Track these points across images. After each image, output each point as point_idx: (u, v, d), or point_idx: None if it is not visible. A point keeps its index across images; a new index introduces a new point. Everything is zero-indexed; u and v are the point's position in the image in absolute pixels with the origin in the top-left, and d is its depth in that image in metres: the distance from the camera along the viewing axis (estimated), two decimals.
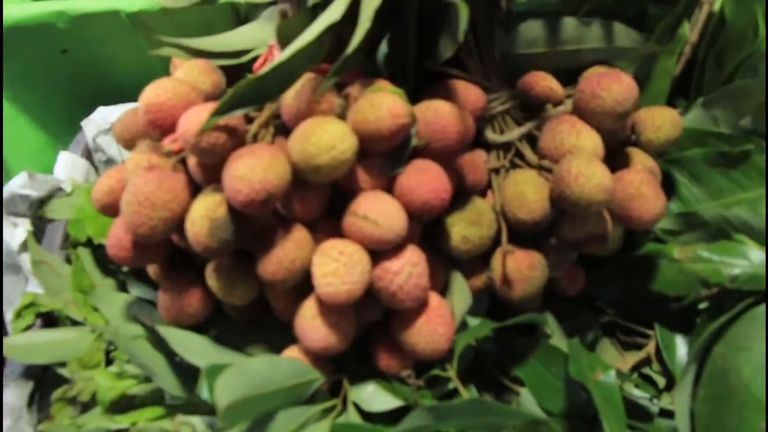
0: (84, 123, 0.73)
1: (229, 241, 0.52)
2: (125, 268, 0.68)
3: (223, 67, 0.62)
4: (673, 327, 0.65)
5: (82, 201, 0.68)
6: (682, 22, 0.65)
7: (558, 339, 0.64)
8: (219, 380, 0.44)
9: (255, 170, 0.48)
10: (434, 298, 0.56)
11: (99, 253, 0.67)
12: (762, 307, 0.57)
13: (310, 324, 0.54)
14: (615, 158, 0.63)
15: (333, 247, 0.52)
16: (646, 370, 0.67)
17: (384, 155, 0.55)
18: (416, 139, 0.54)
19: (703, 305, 0.65)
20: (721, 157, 0.64)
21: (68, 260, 0.68)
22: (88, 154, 0.74)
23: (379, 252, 0.53)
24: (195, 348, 0.57)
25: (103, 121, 0.72)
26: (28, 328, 0.62)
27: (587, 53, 0.65)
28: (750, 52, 0.62)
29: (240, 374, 0.47)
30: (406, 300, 0.53)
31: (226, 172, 0.50)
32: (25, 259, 0.66)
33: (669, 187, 0.68)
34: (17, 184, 0.66)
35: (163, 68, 0.64)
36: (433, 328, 0.54)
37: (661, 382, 0.65)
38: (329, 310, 0.53)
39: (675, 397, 0.59)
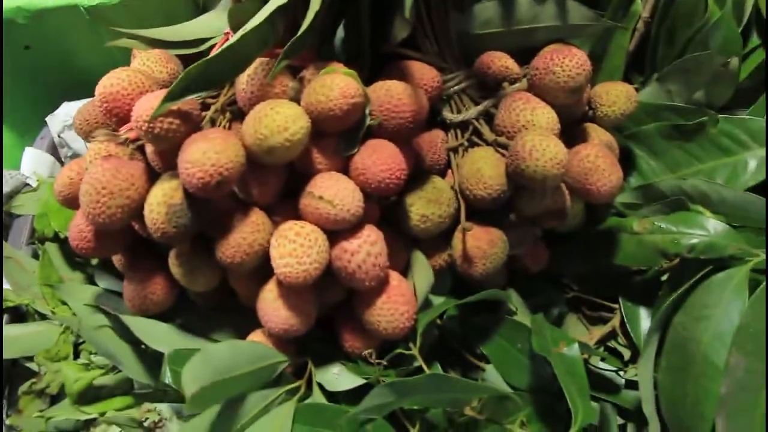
0: (48, 119, 0.73)
1: (187, 226, 0.52)
2: (94, 262, 0.68)
3: (184, 57, 0.62)
4: (636, 300, 0.66)
5: (48, 196, 0.68)
6: None
7: (522, 315, 0.65)
8: (185, 368, 0.45)
9: (207, 154, 0.49)
10: (395, 277, 0.57)
11: (66, 247, 0.67)
12: (720, 276, 0.57)
13: (271, 306, 0.54)
14: (572, 133, 0.63)
15: (289, 228, 0.52)
16: (612, 344, 0.67)
17: (339, 136, 0.55)
18: (370, 119, 0.55)
19: (665, 277, 0.66)
20: (676, 130, 0.65)
21: (35, 255, 0.68)
22: (53, 150, 0.74)
23: (337, 232, 0.54)
24: (159, 335, 0.57)
25: (67, 116, 0.73)
26: (2, 327, 0.62)
27: (542, 32, 0.65)
28: (700, 26, 0.63)
29: (205, 360, 0.47)
30: (365, 279, 0.53)
31: (180, 157, 0.50)
32: None
33: (628, 161, 0.68)
34: None
35: (125, 61, 0.64)
36: (394, 307, 0.55)
37: (626, 354, 0.66)
38: (289, 291, 0.54)
39: (639, 367, 0.60)
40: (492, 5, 0.65)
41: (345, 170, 0.56)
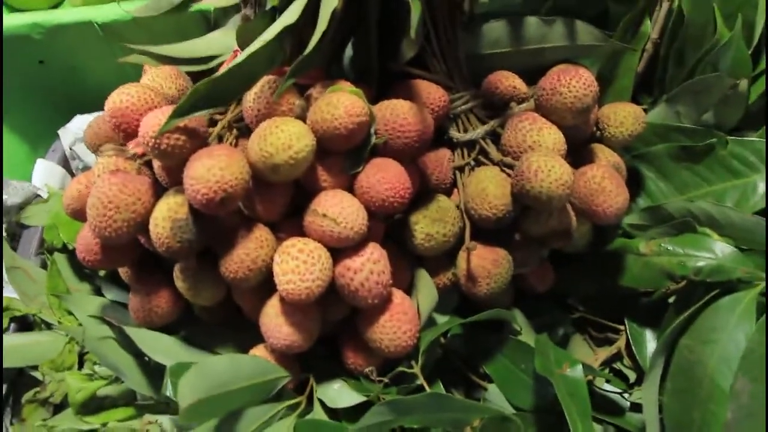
0: (61, 132, 0.74)
1: (191, 241, 0.53)
2: (102, 273, 0.69)
3: (193, 74, 0.63)
4: (642, 322, 0.65)
5: (58, 207, 0.69)
6: (644, 19, 0.66)
7: (527, 335, 0.64)
8: (182, 380, 0.45)
9: (212, 170, 0.49)
10: (398, 295, 0.57)
11: (75, 258, 0.68)
12: (727, 299, 0.57)
13: (274, 322, 0.54)
14: (580, 154, 0.63)
15: (293, 245, 0.52)
16: (618, 365, 0.67)
17: (344, 154, 0.56)
18: (375, 138, 0.55)
19: (672, 299, 0.66)
20: (684, 151, 0.65)
21: (44, 265, 0.69)
22: (65, 162, 0.75)
23: (341, 250, 0.54)
24: (163, 348, 0.57)
25: (79, 129, 0.74)
26: (3, 332, 0.63)
27: (550, 52, 0.65)
28: (709, 47, 0.63)
29: (203, 373, 0.48)
30: (367, 297, 0.53)
31: (185, 173, 0.51)
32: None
33: (637, 182, 0.68)
34: None
35: (137, 76, 0.65)
36: (397, 325, 0.55)
37: (632, 376, 0.65)
38: (292, 308, 0.54)
39: (643, 390, 0.59)
40: (500, 25, 0.65)
41: (350, 188, 0.56)
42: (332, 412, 0.57)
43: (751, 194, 0.62)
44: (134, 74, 0.69)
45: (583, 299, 0.69)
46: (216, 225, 0.54)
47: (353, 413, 0.56)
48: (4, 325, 0.63)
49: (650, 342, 0.64)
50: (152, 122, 0.52)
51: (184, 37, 0.66)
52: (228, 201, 0.50)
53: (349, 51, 0.66)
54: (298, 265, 0.51)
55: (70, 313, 0.64)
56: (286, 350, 0.54)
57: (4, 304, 0.63)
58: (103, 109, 0.70)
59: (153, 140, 0.51)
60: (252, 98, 0.55)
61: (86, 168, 0.77)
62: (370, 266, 0.53)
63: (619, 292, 0.65)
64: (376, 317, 0.55)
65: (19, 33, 0.71)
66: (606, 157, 0.62)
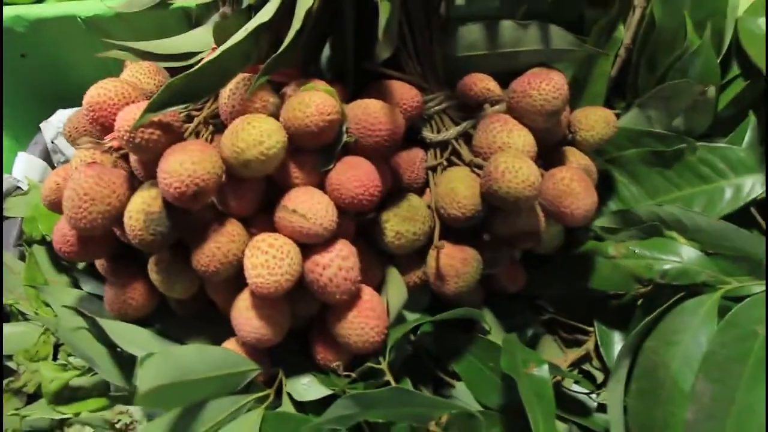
0: (43, 125, 0.75)
1: (164, 234, 0.54)
2: (80, 266, 0.70)
3: (173, 70, 0.64)
4: (611, 324, 0.66)
5: (38, 199, 0.70)
6: (617, 24, 0.67)
7: (496, 335, 0.65)
8: (143, 365, 0.46)
9: (185, 165, 0.50)
10: (367, 291, 0.57)
11: (53, 250, 0.69)
12: (691, 302, 0.58)
13: (244, 316, 0.55)
14: (551, 157, 0.64)
15: (263, 240, 0.53)
16: (587, 367, 0.68)
17: (316, 152, 0.57)
18: (346, 136, 0.56)
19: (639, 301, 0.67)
20: (656, 156, 0.66)
21: (23, 257, 0.70)
22: (46, 155, 0.76)
23: (310, 246, 0.55)
24: (136, 340, 0.58)
25: (61, 123, 0.75)
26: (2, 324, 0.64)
27: (525, 55, 0.66)
28: (679, 54, 0.64)
29: (167, 361, 0.49)
30: (336, 293, 0.54)
31: (159, 167, 0.52)
32: None
33: (608, 186, 0.69)
34: None
35: (119, 71, 0.66)
36: (365, 321, 0.56)
37: (600, 377, 0.66)
38: (262, 302, 0.55)
39: (608, 391, 0.60)
40: (476, 28, 0.66)
41: (322, 186, 0.57)
42: (300, 406, 0.57)
43: (718, 200, 0.63)
44: (117, 69, 0.70)
45: (553, 300, 0.70)
46: (189, 219, 0.55)
47: (320, 407, 0.56)
48: None
49: (618, 344, 0.65)
50: (128, 116, 0.52)
51: (166, 34, 0.67)
52: (200, 195, 0.51)
53: (326, 50, 0.67)
54: (268, 260, 0.52)
55: (47, 305, 0.65)
56: (256, 343, 0.55)
57: None
58: None
59: (128, 134, 0.52)
60: (227, 95, 0.56)
61: (68, 161, 0.77)
62: (338, 262, 0.54)
63: (589, 293, 0.66)
64: (344, 313, 0.56)
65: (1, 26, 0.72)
66: (577, 160, 0.63)
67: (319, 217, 0.53)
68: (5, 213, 0.70)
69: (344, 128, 0.56)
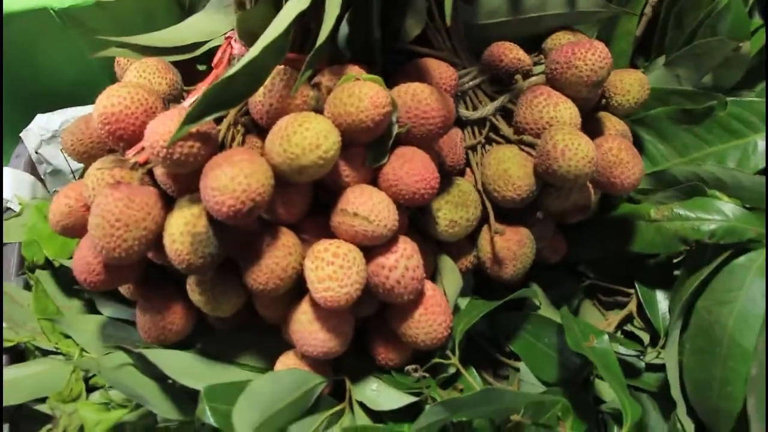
0: (23, 134, 0.66)
1: (213, 255, 0.49)
2: None
3: (178, 63, 0.58)
4: (652, 284, 0.66)
5: (34, 220, 0.62)
6: None
7: (546, 309, 0.65)
8: (234, 412, 0.43)
9: (237, 179, 0.45)
10: (429, 286, 0.55)
11: (60, 274, 0.62)
12: (742, 259, 0.58)
13: (308, 330, 0.52)
14: (587, 124, 0.62)
15: (326, 249, 0.49)
16: (629, 327, 0.68)
17: (365, 146, 0.53)
18: (398, 127, 0.52)
19: (677, 260, 0.67)
20: (684, 114, 0.65)
21: (27, 286, 0.63)
22: (31, 167, 0.68)
23: (372, 247, 0.51)
24: (186, 369, 0.54)
25: (43, 129, 0.66)
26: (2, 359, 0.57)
27: (549, 19, 0.64)
28: (709, 11, 0.63)
29: (251, 399, 0.45)
30: (403, 294, 0.51)
31: (204, 183, 0.46)
32: None
33: (636, 146, 0.68)
34: None
35: (101, 66, 0.58)
36: (432, 318, 0.53)
37: (645, 338, 0.66)
38: (326, 313, 0.51)
39: (665, 352, 0.61)
40: None
41: (372, 181, 0.53)
42: (372, 413, 0.55)
43: (752, 153, 0.63)
44: (97, 65, 0.63)
45: (590, 265, 0.70)
46: (235, 233, 0.50)
47: (396, 412, 0.54)
48: None
49: (661, 303, 0.66)
50: (161, 130, 0.47)
51: (153, 21, 0.60)
52: (255, 210, 0.47)
53: (343, 28, 0.62)
54: (335, 270, 0.48)
55: (67, 336, 0.59)
56: (323, 357, 0.52)
57: None
58: (65, 105, 0.64)
59: (164, 150, 0.46)
60: (262, 92, 0.51)
61: (55, 171, 0.69)
62: (404, 262, 0.51)
63: (626, 256, 0.66)
64: (410, 312, 0.53)
65: None
66: (614, 125, 0.62)
67: (383, 218, 0.50)
68: None
69: (394, 118, 0.52)
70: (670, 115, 0.65)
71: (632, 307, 0.67)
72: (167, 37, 0.57)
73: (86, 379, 0.58)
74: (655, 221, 0.62)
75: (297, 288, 0.52)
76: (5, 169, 0.65)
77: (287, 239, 0.51)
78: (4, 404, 0.55)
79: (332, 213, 0.51)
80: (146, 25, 0.58)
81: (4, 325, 0.58)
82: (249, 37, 0.53)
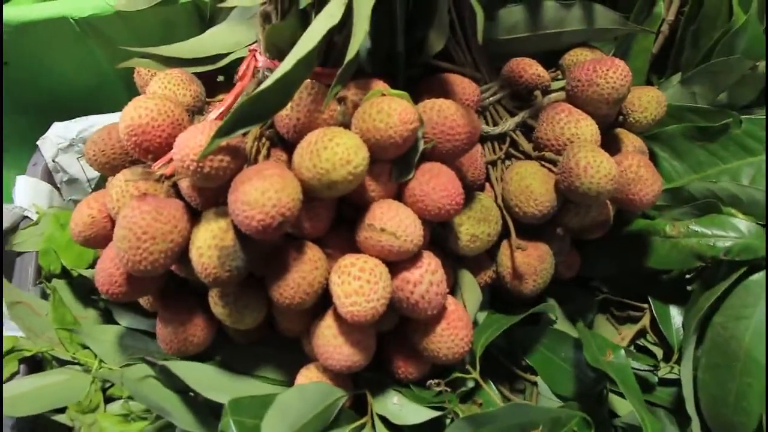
0: (40, 142, 0.66)
1: (240, 269, 0.49)
2: None
3: (200, 75, 0.58)
4: (666, 299, 0.67)
5: (51, 229, 0.62)
6: (657, 1, 0.66)
7: (562, 323, 0.65)
8: (264, 426, 0.43)
9: (267, 194, 0.45)
10: (451, 301, 0.55)
11: (76, 283, 0.62)
12: (757, 276, 0.59)
13: (332, 344, 0.52)
14: (605, 140, 0.63)
15: (352, 264, 0.49)
16: (642, 342, 0.69)
17: (391, 161, 0.53)
18: (423, 142, 0.52)
19: (689, 274, 0.68)
20: (699, 131, 0.66)
21: (43, 295, 0.62)
22: (47, 176, 0.67)
23: (397, 262, 0.52)
24: (209, 381, 0.54)
25: (60, 138, 0.66)
26: (12, 376, 0.57)
27: (568, 35, 0.64)
28: (725, 29, 0.64)
29: (279, 413, 0.45)
30: (427, 309, 0.52)
31: (233, 197, 0.46)
32: None
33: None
34: None
35: (116, 75, 0.58)
36: (454, 333, 0.54)
37: (658, 352, 0.67)
38: (350, 328, 0.51)
39: (680, 367, 0.61)
40: (518, 10, 0.63)
41: (396, 196, 0.53)
42: (392, 427, 0.55)
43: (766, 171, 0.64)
44: (114, 74, 0.62)
45: (605, 280, 0.70)
46: (260, 247, 0.51)
47: (417, 426, 0.54)
48: (14, 368, 0.57)
49: (675, 317, 0.66)
50: (192, 143, 0.46)
51: (172, 32, 0.60)
52: (284, 225, 0.47)
53: (366, 42, 0.62)
54: (362, 285, 0.49)
55: (85, 346, 0.59)
56: (347, 371, 0.52)
57: (12, 344, 0.57)
58: (81, 114, 0.63)
59: (195, 163, 0.46)
60: (289, 106, 0.51)
61: (71, 180, 0.69)
62: (429, 277, 0.51)
63: (640, 271, 0.67)
64: (432, 326, 0.54)
65: None
66: (631, 142, 0.63)
67: (409, 233, 0.50)
68: (17, 248, 0.62)
69: (420, 134, 0.52)
70: (685, 132, 0.66)
71: (645, 321, 0.68)
72: (190, 48, 0.57)
73: (103, 390, 0.58)
74: (671, 237, 0.63)
75: (320, 302, 0.53)
76: (20, 178, 0.64)
77: (313, 253, 0.51)
78: (22, 414, 0.55)
79: (358, 228, 0.51)
80: (166, 35, 0.57)
81: (22, 333, 0.58)
82: (275, 50, 0.53)
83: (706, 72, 0.64)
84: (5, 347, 0.57)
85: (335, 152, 0.47)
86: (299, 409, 0.48)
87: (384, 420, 0.55)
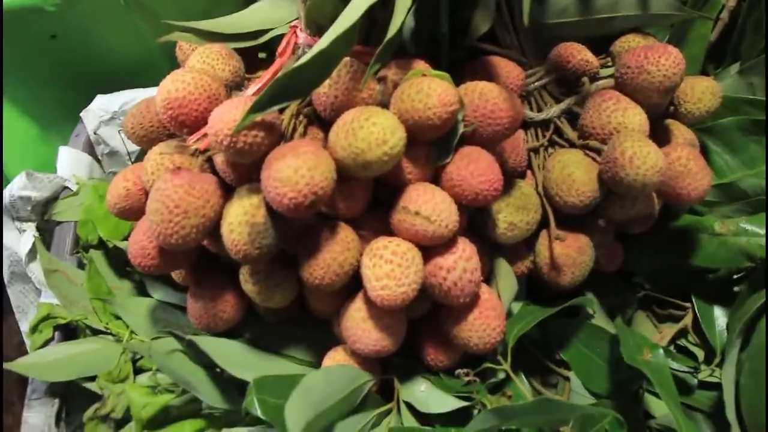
0: (83, 114, 0.67)
1: (270, 246, 0.48)
2: None
3: (240, 50, 0.57)
4: (709, 299, 0.64)
5: (90, 200, 0.63)
6: None
7: (600, 318, 0.63)
8: (288, 407, 0.42)
9: (300, 172, 0.44)
10: (485, 290, 0.54)
11: (113, 254, 0.62)
12: None
13: (361, 327, 0.51)
14: (654, 131, 0.60)
15: (385, 247, 0.48)
16: (683, 342, 0.66)
17: (429, 144, 0.51)
18: (463, 125, 0.51)
19: (737, 275, 0.65)
20: (755, 125, 0.63)
21: (80, 265, 0.63)
22: (89, 147, 0.68)
23: (431, 247, 0.50)
24: (235, 358, 0.54)
25: (103, 111, 0.66)
26: (47, 342, 0.58)
27: (621, 21, 0.62)
28: None
29: (303, 396, 0.45)
30: (460, 296, 0.50)
31: (266, 174, 0.45)
32: (34, 268, 0.61)
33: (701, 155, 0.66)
34: (17, 186, 0.60)
35: (161, 50, 0.58)
36: (486, 322, 0.52)
37: (699, 354, 0.64)
38: (381, 312, 0.51)
39: (722, 371, 0.59)
40: None
41: (433, 179, 0.52)
42: (419, 414, 0.54)
43: None
44: (158, 49, 0.62)
45: (647, 276, 0.68)
46: (293, 225, 0.50)
47: (443, 415, 0.53)
48: (49, 335, 0.58)
49: (719, 318, 0.64)
50: (226, 118, 0.46)
51: (216, 9, 0.60)
52: (317, 204, 0.46)
53: (409, 21, 0.61)
54: (393, 269, 0.48)
55: (117, 317, 0.59)
56: (374, 355, 0.51)
57: (47, 311, 0.58)
58: (125, 87, 0.64)
59: (228, 138, 0.46)
60: (327, 84, 0.50)
61: (112, 153, 0.69)
62: (462, 264, 0.50)
63: (684, 269, 0.64)
64: (464, 315, 0.52)
65: (29, 5, 0.62)
66: (682, 134, 0.60)
67: (444, 218, 0.49)
68: (56, 218, 0.63)
69: (460, 117, 0.51)
70: (740, 126, 0.63)
71: (687, 321, 0.65)
72: (231, 23, 0.57)
73: (134, 361, 0.59)
74: (719, 235, 0.60)
75: (351, 283, 0.52)
76: (63, 149, 0.65)
77: (346, 234, 0.50)
78: (55, 380, 0.56)
79: (392, 210, 0.50)
80: (209, 9, 0.57)
81: (57, 301, 0.59)
82: (316, 27, 0.52)
83: (765, 62, 0.61)
84: (41, 314, 0.58)
85: (371, 132, 0.46)
86: (325, 391, 0.47)
87: (410, 407, 0.54)
